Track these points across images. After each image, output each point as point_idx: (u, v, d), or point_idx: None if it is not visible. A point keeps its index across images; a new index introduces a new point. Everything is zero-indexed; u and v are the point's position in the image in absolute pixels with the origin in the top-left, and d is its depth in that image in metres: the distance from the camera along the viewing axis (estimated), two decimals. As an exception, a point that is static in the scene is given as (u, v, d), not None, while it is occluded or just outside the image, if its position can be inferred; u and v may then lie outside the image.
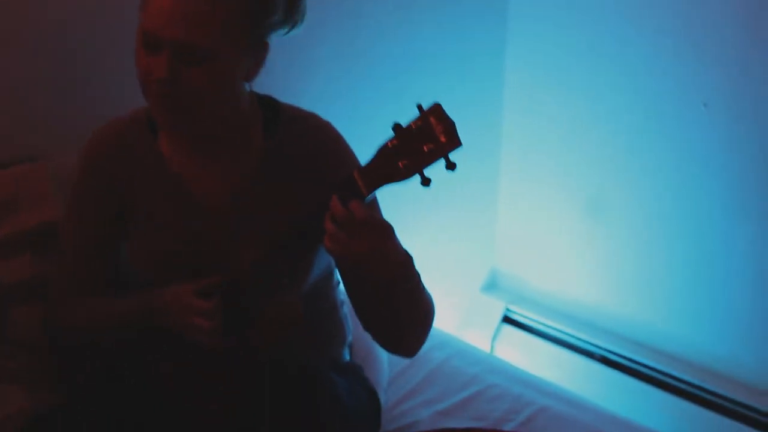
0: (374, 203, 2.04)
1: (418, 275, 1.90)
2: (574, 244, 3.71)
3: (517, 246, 3.94)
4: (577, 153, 3.58)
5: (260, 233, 1.98)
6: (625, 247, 3.55)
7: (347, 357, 2.30)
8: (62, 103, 2.57)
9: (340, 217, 1.68)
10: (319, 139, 2.04)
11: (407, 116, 1.61)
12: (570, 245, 3.73)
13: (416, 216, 3.51)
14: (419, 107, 1.60)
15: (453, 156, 1.60)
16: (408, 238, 3.36)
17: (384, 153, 1.63)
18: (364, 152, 1.73)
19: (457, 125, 1.59)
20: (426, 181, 1.62)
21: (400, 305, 1.89)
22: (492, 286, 4.06)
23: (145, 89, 1.87)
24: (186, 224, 2.02)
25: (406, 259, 1.84)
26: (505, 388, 2.67)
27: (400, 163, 1.61)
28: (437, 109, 1.59)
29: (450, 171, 1.60)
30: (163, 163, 2.03)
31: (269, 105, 2.06)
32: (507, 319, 3.87)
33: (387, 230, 1.76)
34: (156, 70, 1.81)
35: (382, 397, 2.52)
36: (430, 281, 3.49)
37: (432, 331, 2.92)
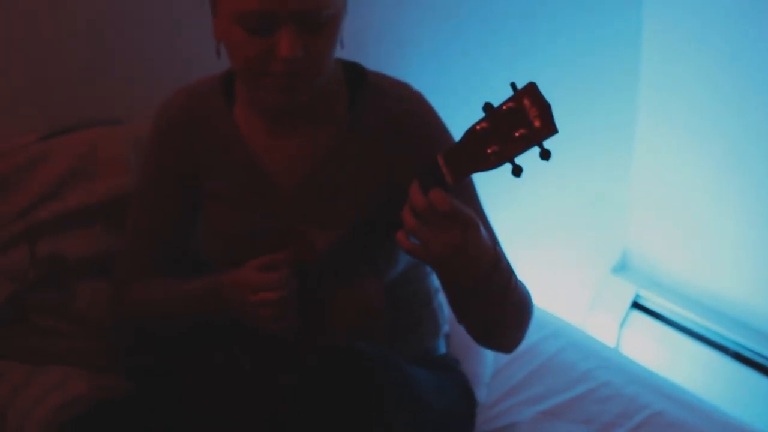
0: (468, 188, 1.90)
1: (510, 273, 1.73)
2: (714, 227, 3.51)
3: (651, 226, 3.77)
4: (720, 126, 3.38)
5: (338, 214, 1.88)
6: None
7: (443, 349, 2.18)
8: (145, 64, 2.51)
9: (419, 208, 1.54)
10: (408, 112, 1.91)
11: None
12: (709, 228, 3.54)
13: (543, 189, 3.40)
14: (513, 86, 1.45)
15: (548, 143, 1.45)
16: (532, 212, 3.33)
17: (471, 137, 1.49)
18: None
19: (552, 108, 1.43)
20: (517, 171, 1.46)
21: (490, 305, 1.73)
22: (623, 267, 3.90)
23: (256, 76, 1.74)
24: (259, 202, 1.93)
25: (495, 259, 1.67)
26: (619, 388, 2.51)
27: (488, 150, 1.47)
28: (532, 89, 1.43)
29: (544, 161, 1.44)
30: (238, 135, 1.94)
31: (355, 73, 1.94)
32: (637, 305, 3.72)
33: (471, 226, 1.59)
34: (282, 49, 1.68)
35: (483, 393, 2.43)
36: (556, 260, 3.46)
37: (549, 318, 2.87)
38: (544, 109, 1.43)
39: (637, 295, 3.72)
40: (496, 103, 1.46)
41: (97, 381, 2.13)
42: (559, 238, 3.57)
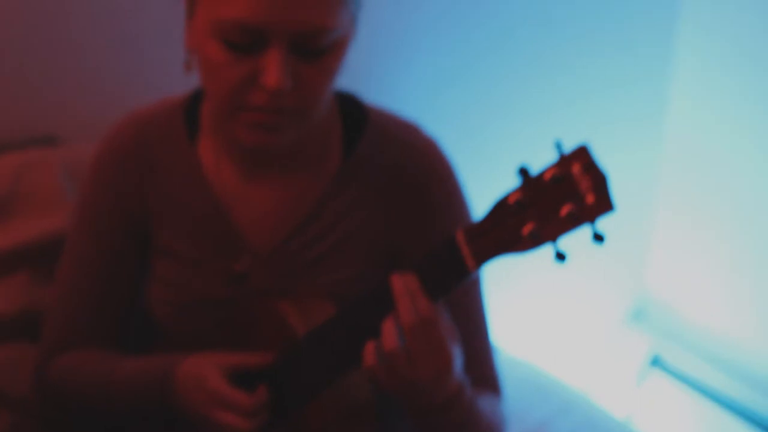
0: (473, 288, 1.74)
1: (468, 411, 1.57)
2: (749, 269, 3.40)
3: (673, 270, 3.67)
4: (748, 162, 3.31)
5: (323, 289, 1.69)
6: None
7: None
8: (87, 70, 2.39)
9: (407, 322, 1.38)
10: (417, 164, 1.71)
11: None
12: (743, 271, 3.42)
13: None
14: (558, 147, 1.28)
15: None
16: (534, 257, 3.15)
17: (502, 210, 1.32)
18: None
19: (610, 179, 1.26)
20: (561, 257, 1.30)
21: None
22: (639, 318, 3.79)
23: (232, 107, 1.53)
24: (222, 263, 1.72)
25: (456, 391, 1.52)
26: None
27: (523, 228, 1.30)
28: (583, 154, 1.26)
29: (597, 243, 1.29)
30: (201, 177, 1.73)
31: (352, 107, 1.74)
32: (657, 362, 3.66)
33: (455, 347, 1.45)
34: (268, 77, 1.46)
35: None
36: (559, 305, 3.31)
37: (556, 386, 2.67)
38: (600, 181, 1.26)
39: (657, 352, 3.66)
40: (533, 164, 1.33)
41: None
42: (563, 279, 3.46)
